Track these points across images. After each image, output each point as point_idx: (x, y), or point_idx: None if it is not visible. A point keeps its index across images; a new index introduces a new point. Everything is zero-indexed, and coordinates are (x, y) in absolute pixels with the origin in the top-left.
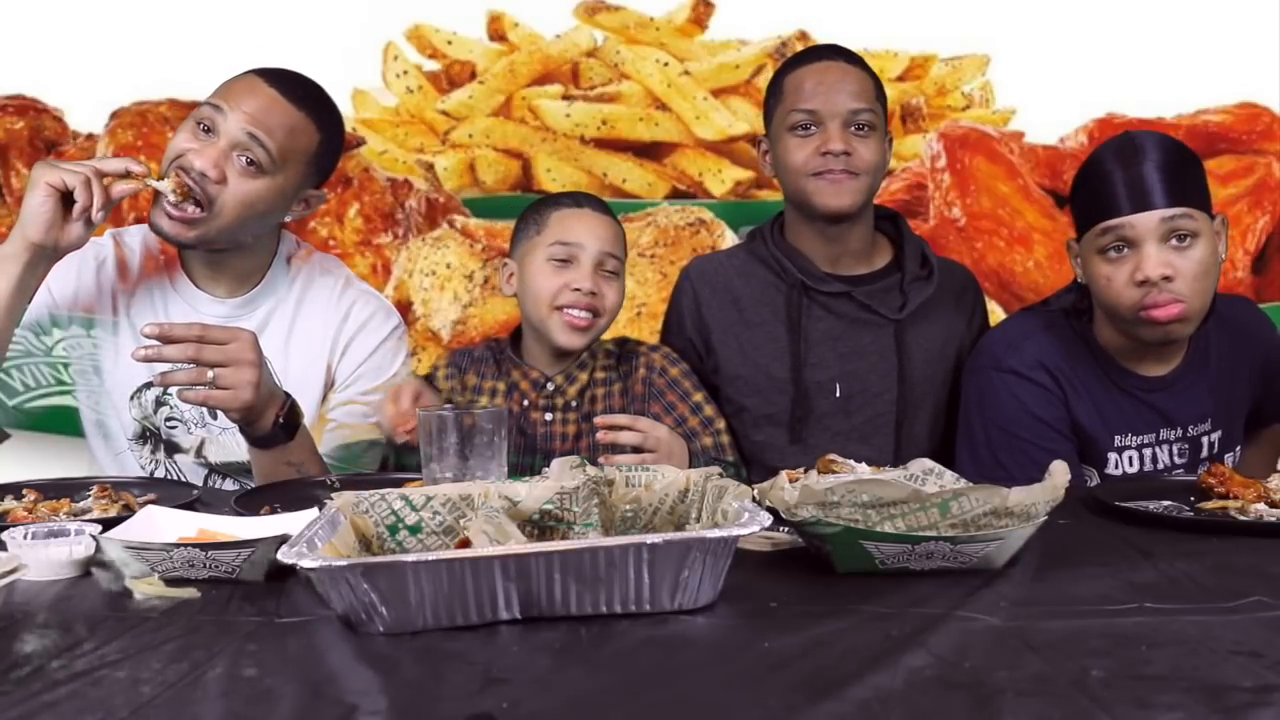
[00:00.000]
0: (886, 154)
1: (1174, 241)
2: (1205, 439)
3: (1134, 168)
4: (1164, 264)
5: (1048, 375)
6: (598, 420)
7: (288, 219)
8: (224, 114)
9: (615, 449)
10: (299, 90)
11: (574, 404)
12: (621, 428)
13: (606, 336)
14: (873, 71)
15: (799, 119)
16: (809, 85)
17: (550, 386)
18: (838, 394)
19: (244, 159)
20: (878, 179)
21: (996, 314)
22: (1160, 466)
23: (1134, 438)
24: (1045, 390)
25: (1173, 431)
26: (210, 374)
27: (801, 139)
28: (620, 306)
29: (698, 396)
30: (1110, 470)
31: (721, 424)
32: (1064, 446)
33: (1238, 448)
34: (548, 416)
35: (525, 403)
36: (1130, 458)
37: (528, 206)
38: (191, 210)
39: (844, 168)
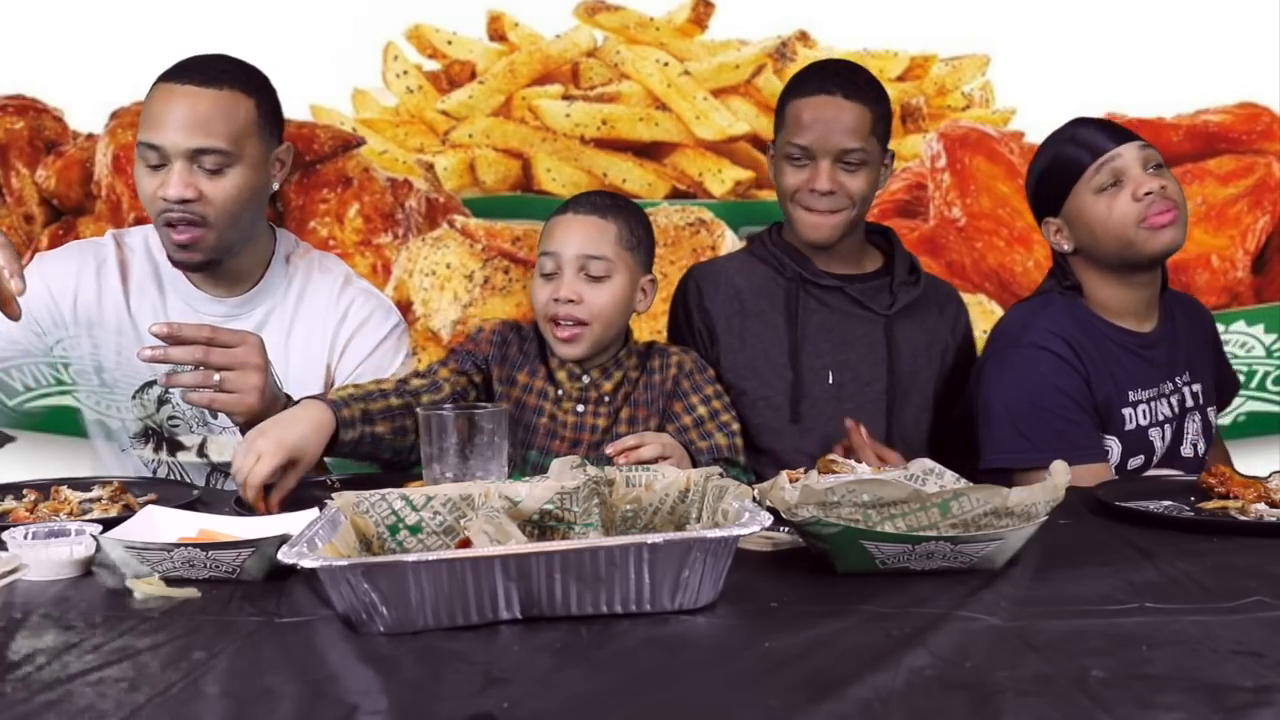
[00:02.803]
0: (883, 176)
1: (1152, 169)
2: (1188, 390)
3: (1091, 123)
4: (1157, 180)
5: (1064, 344)
6: (609, 452)
7: (275, 186)
8: (160, 147)
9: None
10: (209, 72)
11: (607, 398)
12: (633, 447)
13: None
14: (875, 98)
15: (793, 151)
16: (806, 118)
17: (586, 379)
18: (830, 380)
19: (205, 166)
20: (866, 205)
21: (997, 314)
22: (1161, 419)
23: (1143, 392)
24: (1064, 361)
25: (1168, 384)
26: (216, 377)
27: (794, 167)
28: (616, 307)
29: (717, 403)
30: (1127, 426)
31: (737, 427)
32: (1084, 418)
33: (1213, 408)
34: (579, 408)
35: (559, 392)
36: (1143, 411)
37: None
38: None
39: (829, 207)
